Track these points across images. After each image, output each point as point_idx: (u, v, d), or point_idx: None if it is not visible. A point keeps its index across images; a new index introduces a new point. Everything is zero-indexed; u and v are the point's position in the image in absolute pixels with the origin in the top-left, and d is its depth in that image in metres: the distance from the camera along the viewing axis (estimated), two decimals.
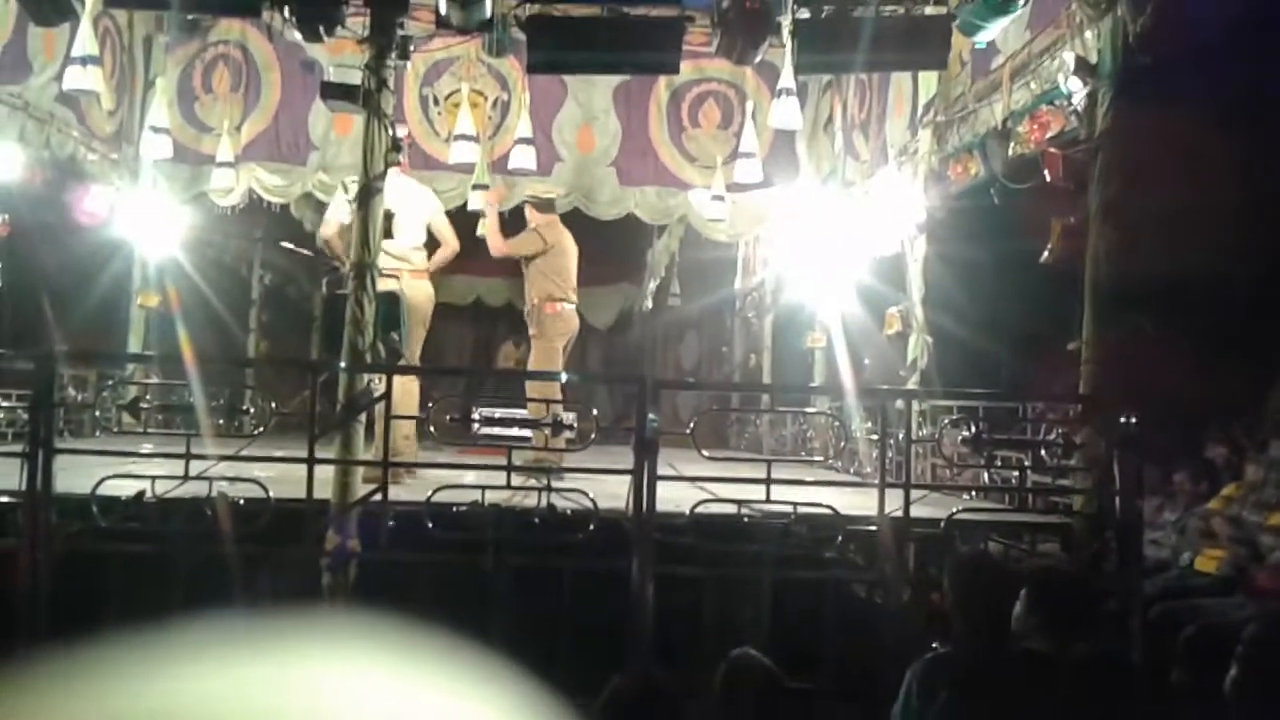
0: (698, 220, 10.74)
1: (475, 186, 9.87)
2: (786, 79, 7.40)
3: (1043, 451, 5.73)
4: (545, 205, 7.88)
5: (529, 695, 1.02)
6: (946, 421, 6.35)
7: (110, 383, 7.55)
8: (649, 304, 14.29)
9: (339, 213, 7.12)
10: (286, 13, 6.06)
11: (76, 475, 4.85)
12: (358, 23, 6.08)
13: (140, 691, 0.80)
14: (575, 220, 10.79)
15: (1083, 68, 5.76)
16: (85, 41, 7.47)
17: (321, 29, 6.08)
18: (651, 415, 4.82)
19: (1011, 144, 6.56)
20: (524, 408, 7.91)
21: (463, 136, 9.60)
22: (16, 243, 8.07)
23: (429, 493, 4.83)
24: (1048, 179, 6.11)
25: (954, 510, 5.22)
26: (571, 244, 7.71)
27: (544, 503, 4.89)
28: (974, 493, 6.56)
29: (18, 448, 4.74)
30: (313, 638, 0.89)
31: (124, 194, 9.79)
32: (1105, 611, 4.59)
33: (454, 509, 4.81)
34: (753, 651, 3.27)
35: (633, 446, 4.80)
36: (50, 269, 8.77)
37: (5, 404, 7.44)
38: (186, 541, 4.61)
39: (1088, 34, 5.82)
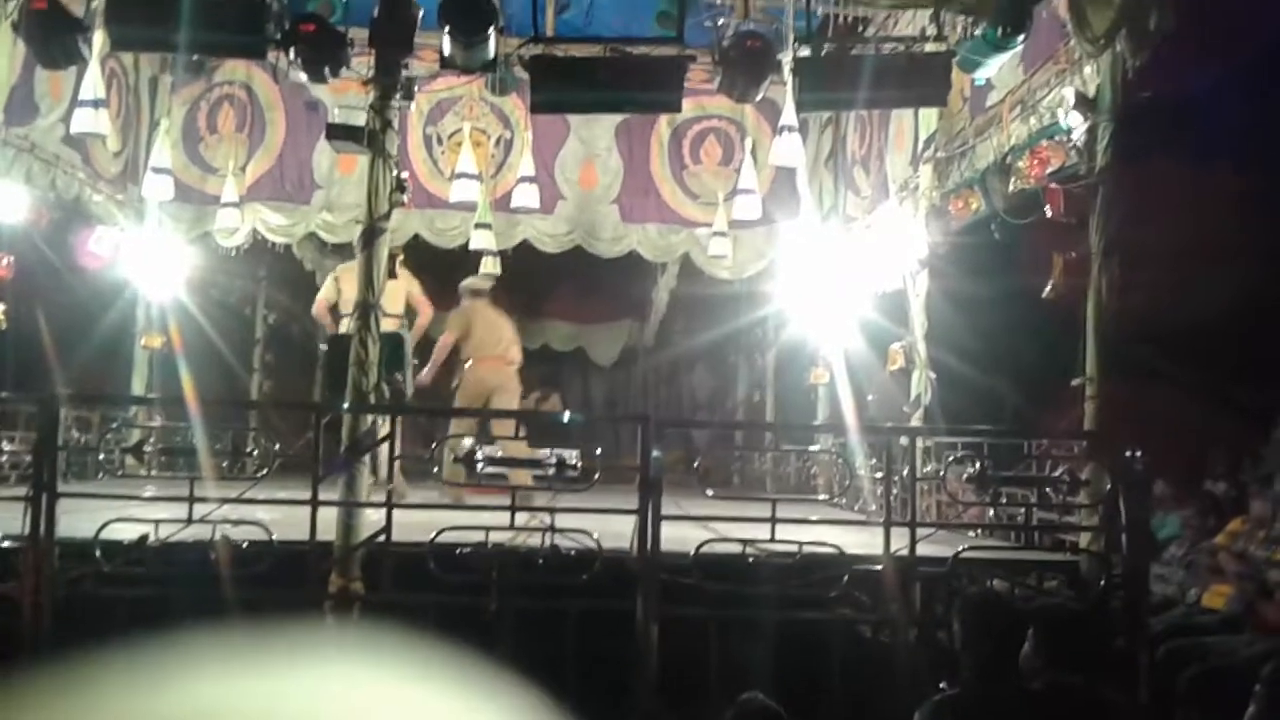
0: (700, 257, 10.78)
1: (478, 225, 9.94)
2: (788, 116, 7.45)
3: (1048, 488, 5.72)
4: (473, 294, 8.12)
5: None
6: (951, 458, 6.34)
7: (114, 425, 7.56)
8: (652, 341, 14.32)
9: (327, 293, 7.71)
10: (292, 54, 6.12)
11: (80, 518, 4.84)
12: (362, 63, 6.14)
13: (140, 705, 0.81)
14: (577, 257, 10.88)
15: (1082, 103, 5.79)
16: (93, 84, 7.54)
17: (326, 70, 6.13)
18: (656, 453, 4.81)
19: (1012, 179, 6.59)
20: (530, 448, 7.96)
21: (465, 175, 9.65)
22: (21, 284, 8.09)
23: (432, 534, 4.80)
24: (1049, 214, 6.14)
25: (960, 549, 5.19)
26: (486, 317, 7.98)
27: (548, 543, 4.87)
28: (979, 530, 6.54)
29: (21, 491, 4.71)
30: (314, 661, 0.90)
31: (129, 235, 9.83)
32: (1113, 650, 4.55)
33: (457, 550, 4.79)
34: (761, 696, 3.25)
35: (637, 486, 4.78)
36: (55, 310, 8.79)
37: (9, 447, 7.43)
38: (189, 585, 4.58)
39: (1086, 69, 5.86)
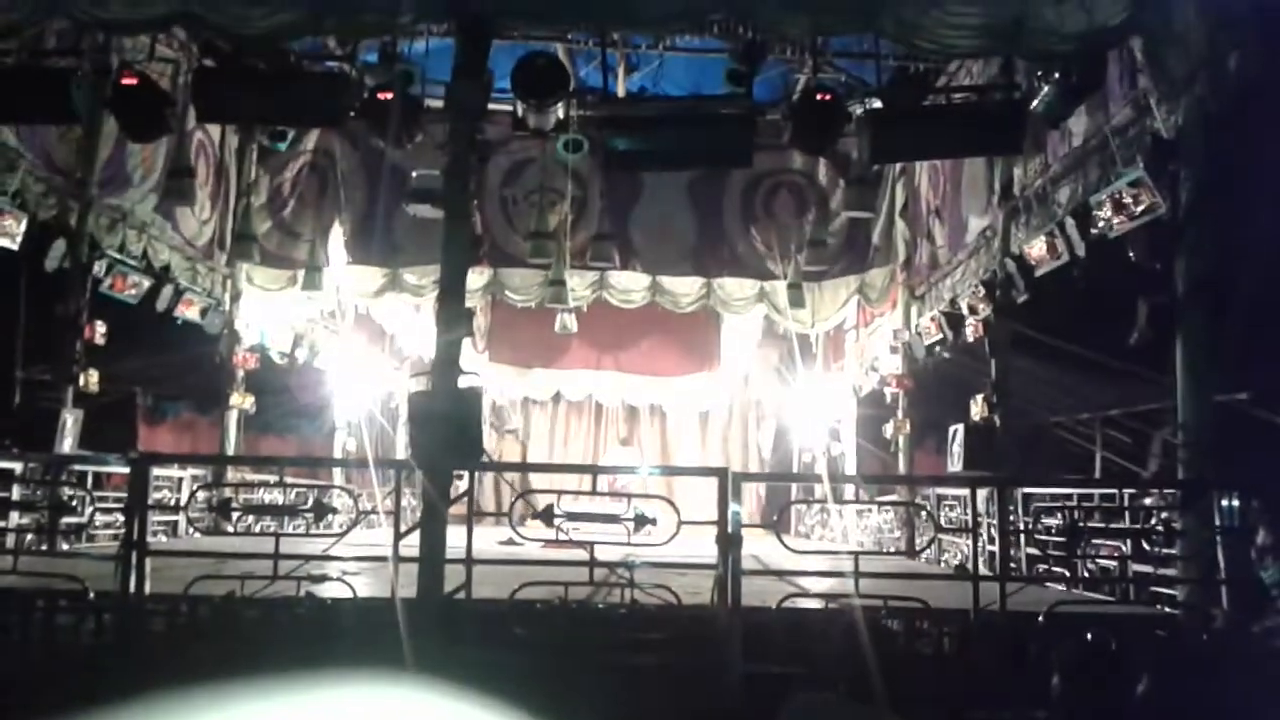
0: (775, 309, 10.77)
1: (553, 282, 10.07)
2: (860, 167, 7.44)
3: (1142, 540, 5.54)
4: None
5: None
6: (1039, 510, 6.18)
7: (202, 484, 7.71)
8: (731, 392, 14.29)
9: None
10: (369, 122, 6.29)
11: (168, 575, 4.93)
12: (439, 127, 6.27)
13: None
14: (653, 311, 10.96)
15: (1162, 147, 5.69)
16: (181, 155, 7.84)
17: (403, 136, 6.29)
18: (734, 507, 4.75)
19: (1092, 225, 6.47)
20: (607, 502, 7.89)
21: (540, 234, 9.78)
22: (114, 348, 8.36)
23: (512, 590, 4.79)
24: (1132, 259, 6.01)
25: (1055, 603, 5.03)
26: None
27: (627, 598, 4.83)
28: (1070, 584, 6.32)
29: (113, 549, 4.81)
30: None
31: (217, 299, 10.14)
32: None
33: (537, 605, 4.77)
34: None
35: (715, 540, 4.72)
36: (146, 373, 9.05)
37: (103, 506, 7.61)
38: (274, 641, 4.62)
39: (1166, 112, 5.76)
